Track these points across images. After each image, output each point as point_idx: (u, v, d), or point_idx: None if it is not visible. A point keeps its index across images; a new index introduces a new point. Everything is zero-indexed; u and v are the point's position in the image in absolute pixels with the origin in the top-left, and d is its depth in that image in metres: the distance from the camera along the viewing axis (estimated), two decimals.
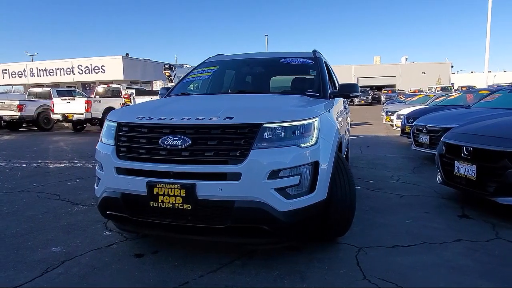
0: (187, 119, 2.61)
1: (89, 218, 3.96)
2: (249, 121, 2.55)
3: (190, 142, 2.53)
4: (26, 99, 17.26)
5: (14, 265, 2.85)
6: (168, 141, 2.56)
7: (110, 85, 17.54)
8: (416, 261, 2.84)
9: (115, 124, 2.87)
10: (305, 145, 2.61)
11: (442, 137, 4.55)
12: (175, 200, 2.51)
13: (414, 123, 7.64)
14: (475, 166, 3.85)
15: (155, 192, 2.54)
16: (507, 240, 3.22)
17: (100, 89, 17.34)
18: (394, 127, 13.02)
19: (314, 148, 2.64)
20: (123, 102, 14.73)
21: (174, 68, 14.35)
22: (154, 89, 15.96)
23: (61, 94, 16.82)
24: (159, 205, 2.55)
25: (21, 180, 5.93)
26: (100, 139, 3.08)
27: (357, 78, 51.10)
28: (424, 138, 7.05)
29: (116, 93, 16.65)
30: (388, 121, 14.44)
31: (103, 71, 23.43)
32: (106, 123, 3.05)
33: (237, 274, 2.66)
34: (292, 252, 3.01)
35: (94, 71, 23.72)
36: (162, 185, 2.52)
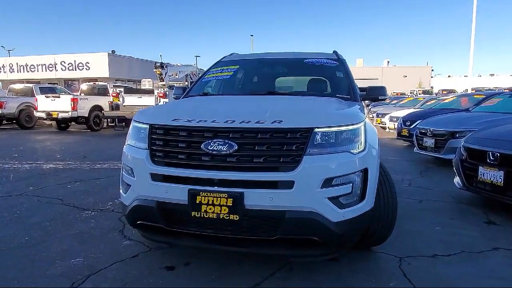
0: (231, 122, 2.41)
1: (102, 225, 3.69)
2: (300, 125, 2.38)
3: (236, 147, 2.34)
4: (7, 95, 16.51)
5: (34, 280, 2.58)
6: (212, 145, 2.36)
7: (97, 82, 16.97)
8: (463, 273, 2.74)
9: (146, 126, 2.64)
10: (356, 151, 2.47)
11: (463, 142, 4.50)
12: (220, 210, 2.31)
13: (417, 126, 7.63)
14: (502, 171, 3.80)
15: (197, 201, 2.34)
16: None
17: (85, 86, 16.77)
18: (387, 130, 13.11)
19: (363, 154, 2.50)
20: (111, 100, 14.26)
21: (166, 67, 14.00)
22: (143, 87, 15.51)
23: (43, 91, 16.17)
24: (202, 215, 2.35)
25: (16, 183, 5.56)
26: (126, 142, 2.85)
27: None
28: (429, 142, 7.04)
29: (103, 91, 16.14)
30: (379, 123, 14.54)
31: (87, 68, 22.61)
32: (133, 125, 2.82)
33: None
34: (331, 262, 2.86)
35: (78, 68, 22.86)
36: (207, 194, 2.31)
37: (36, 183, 5.51)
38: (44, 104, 14.34)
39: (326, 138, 2.40)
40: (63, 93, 16.14)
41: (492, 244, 3.25)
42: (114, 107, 14.17)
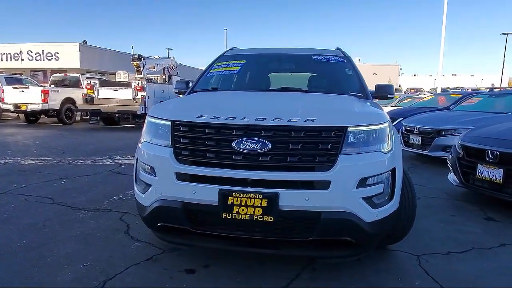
0: (262, 120, 2.32)
1: (103, 226, 3.50)
2: (334, 124, 2.33)
3: (270, 146, 2.25)
4: None
5: None
6: (244, 144, 2.26)
7: (69, 74, 16.20)
8: (479, 269, 2.79)
9: (167, 123, 2.49)
10: (385, 150, 2.45)
11: (460, 140, 4.62)
12: (254, 211, 2.22)
13: (403, 124, 7.80)
14: (502, 170, 3.93)
15: (229, 202, 2.24)
16: None
17: (56, 78, 15.97)
18: None
19: (391, 153, 2.49)
20: (85, 93, 13.65)
21: (144, 59, 13.54)
22: (117, 80, 14.94)
23: (9, 82, 15.22)
24: (234, 217, 2.25)
25: None
26: (142, 139, 2.69)
27: None
28: (416, 139, 7.22)
29: (75, 83, 15.44)
30: None
31: (56, 58, 21.38)
32: (150, 121, 2.66)
33: None
34: (353, 262, 2.83)
35: (47, 58, 21.56)
36: (240, 194, 2.21)
37: (19, 181, 5.15)
38: (12, 96, 13.55)
39: (359, 137, 2.36)
40: (31, 84, 15.28)
41: (498, 241, 3.35)
42: (88, 100, 13.57)
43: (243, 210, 2.23)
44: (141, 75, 13.57)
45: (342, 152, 2.28)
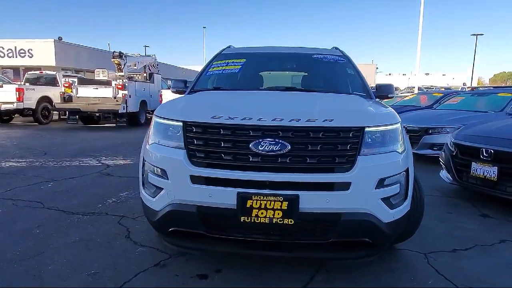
0: (280, 120, 2.27)
1: (102, 230, 3.36)
2: (352, 124, 2.30)
3: (289, 147, 2.20)
4: None
5: None
6: (263, 145, 2.20)
7: (45, 71, 15.58)
8: (485, 266, 2.84)
9: (178, 123, 2.40)
10: (400, 150, 2.45)
11: (453, 139, 4.71)
12: (273, 214, 2.17)
13: None
14: (496, 167, 4.03)
15: (248, 205, 2.17)
16: None
17: (31, 75, 15.35)
18: None
19: (405, 154, 2.50)
20: (63, 91, 13.17)
21: (125, 57, 13.18)
22: (96, 78, 14.50)
23: None
24: (252, 220, 2.19)
25: None
26: (149, 140, 2.58)
27: None
28: None
29: (51, 81, 14.88)
30: None
31: (30, 55, 20.41)
32: (157, 121, 2.56)
33: None
34: (365, 262, 2.83)
35: (20, 55, 20.56)
36: (259, 197, 2.16)
37: (3, 184, 4.90)
38: None
39: (375, 137, 2.35)
40: (4, 82, 14.62)
41: (497, 237, 3.43)
42: (67, 98, 13.11)
43: (262, 213, 2.18)
44: (122, 73, 13.21)
45: (361, 153, 2.26)
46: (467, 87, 25.22)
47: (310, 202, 2.17)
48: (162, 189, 2.39)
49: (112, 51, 13.16)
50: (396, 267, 2.77)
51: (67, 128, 12.62)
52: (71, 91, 13.18)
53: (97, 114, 13.16)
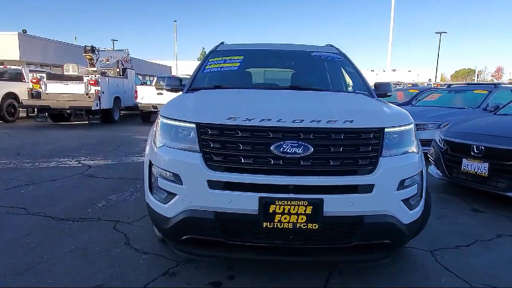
0: (300, 121, 2.20)
1: (99, 238, 3.17)
2: (372, 126, 2.27)
3: (312, 150, 2.13)
4: None
5: None
6: (285, 148, 2.12)
7: (8, 66, 14.68)
8: (490, 261, 2.91)
9: (191, 125, 2.28)
10: (416, 150, 2.44)
11: (443, 136, 4.81)
12: (297, 219, 2.10)
13: None
14: (487, 163, 4.15)
15: (271, 211, 2.09)
16: None
17: None
18: None
19: (420, 154, 2.50)
20: (31, 87, 12.47)
21: (97, 51, 12.63)
22: (66, 73, 13.83)
23: None
24: (275, 226, 2.11)
25: None
26: (157, 142, 2.43)
27: None
28: None
29: (16, 76, 14.06)
30: None
31: None
32: (165, 122, 2.42)
33: None
34: (376, 263, 2.81)
35: None
36: (283, 202, 2.08)
37: None
38: None
39: (394, 138, 2.32)
40: None
41: (493, 231, 3.53)
42: (35, 95, 12.42)
43: (285, 218, 2.10)
44: (94, 68, 12.68)
45: (383, 155, 2.23)
46: (433, 83, 26.17)
47: (334, 205, 2.12)
48: (176, 194, 2.26)
49: (84, 45, 12.58)
50: (407, 266, 2.78)
51: (36, 126, 11.97)
52: (40, 87, 12.50)
53: (69, 111, 12.58)
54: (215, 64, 3.74)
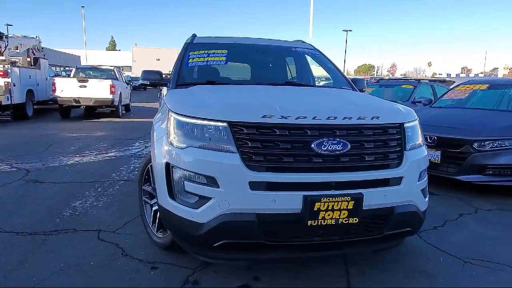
0: (334, 119, 2.23)
1: (87, 251, 2.83)
2: (395, 121, 2.41)
3: (350, 146, 2.19)
4: None
5: None
6: (326, 145, 2.14)
7: None
8: (466, 238, 3.31)
9: (222, 124, 2.16)
10: (423, 143, 2.65)
11: None
12: (339, 215, 2.15)
13: None
14: (440, 152, 4.67)
15: (315, 208, 2.10)
16: (486, 210, 4.10)
17: None
18: None
19: (426, 146, 2.71)
20: None
21: (6, 38, 10.97)
22: None
23: None
24: (319, 223, 2.13)
25: None
26: (177, 143, 2.26)
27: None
28: None
29: None
30: None
31: None
32: (186, 121, 2.26)
33: (371, 283, 2.51)
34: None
35: None
36: (328, 199, 2.10)
37: None
38: None
39: (410, 132, 2.49)
40: None
41: (454, 211, 3.99)
42: None
43: (329, 215, 2.13)
44: (3, 57, 11.07)
45: (406, 148, 2.38)
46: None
47: (372, 199, 2.21)
48: (210, 198, 2.13)
49: None
50: (406, 250, 3.01)
51: None
52: None
53: None
54: (198, 57, 3.56)
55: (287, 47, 3.98)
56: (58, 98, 12.09)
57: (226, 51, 3.63)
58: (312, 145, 2.14)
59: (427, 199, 2.57)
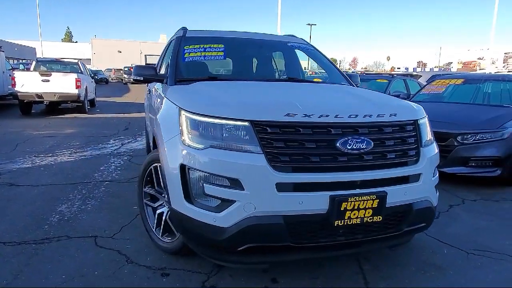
0: (355, 117, 2.21)
1: (88, 260, 2.65)
2: (410, 118, 2.42)
3: (373, 144, 2.17)
4: None
5: None
6: (351, 144, 2.11)
7: None
8: (462, 229, 3.43)
9: (244, 123, 2.07)
10: (433, 139, 2.69)
11: None
12: (364, 214, 2.13)
13: None
14: None
15: (342, 208, 2.06)
16: (472, 200, 4.27)
17: None
18: None
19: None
20: None
21: None
22: None
23: None
24: (345, 223, 2.10)
25: None
26: (194, 143, 2.14)
27: (145, 56, 49.87)
28: None
29: None
30: None
31: None
32: (209, 121, 2.14)
33: (387, 279, 2.52)
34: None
35: None
36: (354, 198, 2.07)
37: None
38: None
39: (422, 129, 2.51)
40: None
41: (443, 203, 4.07)
42: None
43: (354, 214, 2.11)
44: None
45: (422, 145, 2.40)
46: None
47: (394, 196, 2.21)
48: (234, 201, 2.03)
49: None
50: (413, 244, 3.06)
51: None
52: None
53: None
54: (194, 52, 3.41)
55: (282, 41, 3.91)
56: (18, 93, 11.30)
57: (223, 45, 3.50)
58: (337, 144, 2.10)
59: (437, 194, 2.61)
